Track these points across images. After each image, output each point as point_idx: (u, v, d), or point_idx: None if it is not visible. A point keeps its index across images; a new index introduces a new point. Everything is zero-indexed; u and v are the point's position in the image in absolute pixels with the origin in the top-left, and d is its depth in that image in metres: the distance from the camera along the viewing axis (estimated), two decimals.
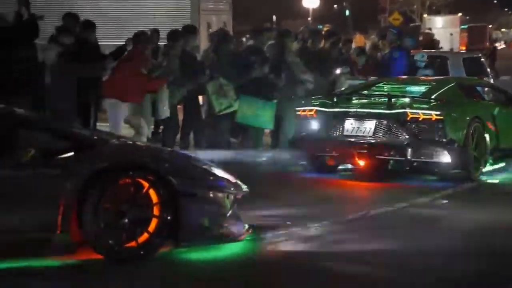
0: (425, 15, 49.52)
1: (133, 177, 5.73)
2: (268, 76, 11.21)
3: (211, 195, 6.02)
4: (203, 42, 14.37)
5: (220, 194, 6.08)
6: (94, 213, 5.57)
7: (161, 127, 11.53)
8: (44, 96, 10.64)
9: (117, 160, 5.81)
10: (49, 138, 5.79)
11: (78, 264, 5.60)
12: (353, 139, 9.59)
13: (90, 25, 10.62)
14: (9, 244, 5.45)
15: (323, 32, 14.23)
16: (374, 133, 9.54)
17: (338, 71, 12.38)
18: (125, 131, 10.27)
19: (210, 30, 15.25)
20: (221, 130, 11.25)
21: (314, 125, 9.93)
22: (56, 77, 9.93)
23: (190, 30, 11.44)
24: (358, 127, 9.63)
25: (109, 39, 13.52)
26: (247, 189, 6.38)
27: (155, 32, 11.97)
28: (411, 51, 14.23)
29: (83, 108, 10.23)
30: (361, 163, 9.66)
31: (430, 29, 36.28)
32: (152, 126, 11.53)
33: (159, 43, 11.78)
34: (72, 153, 5.70)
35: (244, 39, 15.83)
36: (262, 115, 11.10)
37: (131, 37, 10.53)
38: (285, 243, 6.45)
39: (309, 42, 12.69)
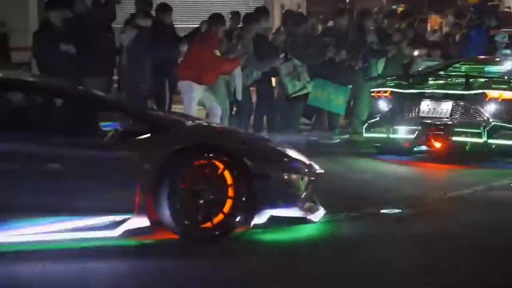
0: None
1: (208, 159, 5.77)
2: (343, 61, 11.12)
3: (286, 176, 6.02)
4: (276, 24, 14.33)
5: (294, 176, 6.08)
6: (170, 194, 5.63)
7: (234, 109, 11.58)
8: (121, 78, 10.83)
9: (192, 141, 5.85)
10: (126, 120, 5.87)
11: (154, 244, 5.68)
12: (429, 121, 9.44)
13: (166, 8, 10.72)
14: (86, 223, 5.56)
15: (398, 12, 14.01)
16: (450, 114, 9.36)
17: (415, 52, 12.17)
18: (199, 113, 10.35)
19: (283, 11, 15.20)
20: (294, 112, 11.22)
21: (389, 106, 9.80)
22: (132, 60, 10.07)
23: (264, 12, 11.42)
24: (435, 109, 9.47)
25: (184, 22, 13.62)
26: (321, 171, 6.35)
27: (236, 14, 11.97)
28: (491, 30, 13.87)
29: (158, 90, 10.35)
30: (437, 145, 9.51)
31: (509, 7, 35.20)
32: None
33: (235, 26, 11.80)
34: (149, 135, 5.77)
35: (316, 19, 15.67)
36: (335, 99, 11.04)
37: (206, 19, 10.57)
38: (359, 225, 6.40)
39: (384, 23, 12.52)
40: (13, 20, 12.04)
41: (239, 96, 10.65)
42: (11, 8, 14.57)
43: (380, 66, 11.64)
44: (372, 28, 11.77)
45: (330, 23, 12.74)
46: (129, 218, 5.59)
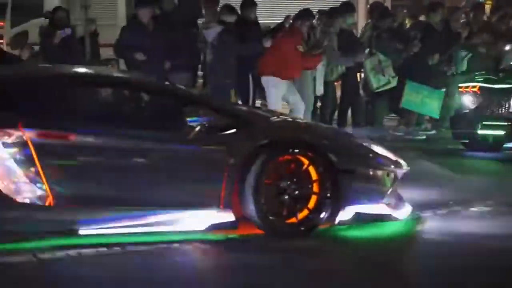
0: None
1: (293, 154, 5.77)
2: (437, 65, 10.91)
3: (371, 172, 5.96)
4: (361, 19, 14.20)
5: (380, 172, 6.01)
6: (255, 189, 5.65)
7: (319, 104, 11.54)
8: (206, 74, 10.94)
9: (277, 137, 5.86)
10: (212, 115, 5.92)
11: (239, 239, 5.71)
12: None
13: (251, 4, 10.77)
14: (172, 217, 5.63)
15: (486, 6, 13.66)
16: None
17: (507, 47, 11.84)
18: (283, 108, 10.35)
19: (368, 6, 15.03)
20: (379, 107, 11.11)
21: (477, 102, 9.58)
22: (217, 55, 10.16)
23: (348, 7, 11.34)
24: None
25: (268, 18, 13.64)
26: (407, 167, 6.26)
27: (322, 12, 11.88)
28: None
29: (242, 85, 10.41)
30: None
31: None
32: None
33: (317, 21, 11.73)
34: (234, 130, 5.80)
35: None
36: (429, 103, 10.85)
37: (289, 15, 10.57)
38: (446, 222, 6.28)
39: (471, 16, 12.23)
40: (102, 17, 12.32)
41: (320, 92, 10.61)
42: (101, 6, 14.90)
43: (465, 61, 11.37)
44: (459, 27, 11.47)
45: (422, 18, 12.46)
46: (214, 213, 5.64)
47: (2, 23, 19.96)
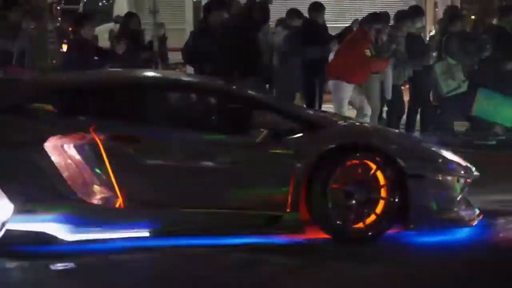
0: None
1: (360, 158, 5.73)
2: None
3: (440, 178, 5.88)
4: (429, 23, 14.04)
5: (449, 178, 5.92)
6: (322, 193, 5.63)
7: (385, 108, 11.43)
8: (272, 78, 10.96)
9: (344, 141, 5.83)
10: (279, 119, 5.93)
11: (306, 243, 5.69)
12: None
13: (319, 7, 10.75)
14: (240, 220, 5.65)
15: None
16: None
17: None
18: (349, 112, 10.29)
19: (436, 9, 14.86)
20: (449, 111, 10.93)
21: None
22: (283, 59, 10.16)
23: (417, 11, 11.21)
24: None
25: (336, 21, 13.60)
26: (478, 173, 6.15)
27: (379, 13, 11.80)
28: None
29: (308, 89, 10.39)
30: None
31: None
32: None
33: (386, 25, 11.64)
34: (301, 134, 5.80)
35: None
36: (502, 111, 10.61)
37: (358, 18, 10.51)
38: None
39: None
40: (171, 22, 12.49)
41: (388, 96, 10.50)
42: (169, 10, 15.11)
43: None
44: None
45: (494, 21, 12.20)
46: (281, 216, 5.64)
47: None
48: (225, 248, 5.54)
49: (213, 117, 6.24)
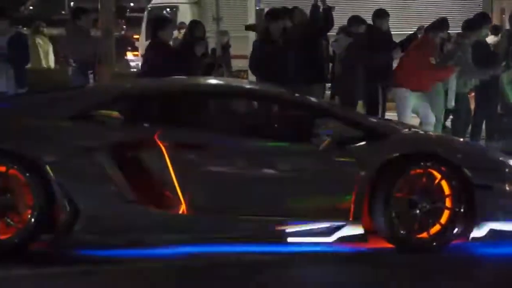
0: None
1: (425, 168, 5.66)
2: None
3: (508, 188, 5.75)
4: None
5: None
6: (386, 202, 5.57)
7: (450, 117, 11.26)
8: (334, 85, 10.92)
9: (408, 149, 5.76)
10: (342, 127, 5.89)
11: (369, 253, 5.64)
12: None
13: (383, 14, 10.66)
14: (304, 228, 5.63)
15: None
16: None
17: None
18: (413, 120, 10.17)
19: (503, 16, 14.59)
20: None
21: None
22: (345, 67, 10.10)
23: (485, 19, 11.02)
24: None
25: (400, 28, 13.48)
26: None
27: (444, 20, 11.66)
28: None
29: (371, 97, 10.30)
30: None
31: None
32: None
33: (449, 32, 11.50)
34: (364, 142, 5.75)
35: None
36: None
37: (423, 25, 10.38)
38: None
39: None
40: (234, 30, 12.58)
41: (450, 104, 10.34)
42: (232, 18, 15.21)
43: None
44: None
45: None
46: (343, 225, 5.61)
47: (137, 36, 20.73)
48: (288, 256, 5.52)
49: (276, 125, 6.24)
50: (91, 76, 9.20)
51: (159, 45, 8.71)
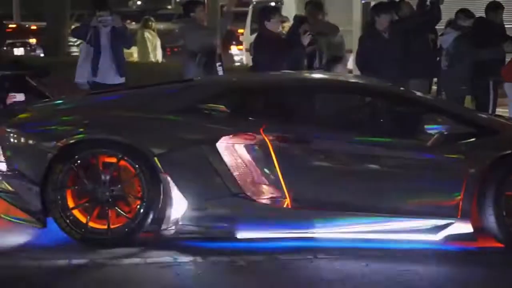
0: None
1: None
2: None
3: None
4: None
5: None
6: (496, 200, 5.43)
7: None
8: (440, 80, 10.69)
9: None
10: (452, 123, 5.77)
11: (477, 252, 5.51)
12: None
13: (497, 7, 10.36)
14: (406, 225, 5.54)
15: None
16: None
17: None
18: None
19: None
20: None
21: None
22: (452, 62, 9.88)
23: None
24: None
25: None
26: None
27: None
28: None
29: (481, 92, 10.03)
30: None
31: None
32: None
33: None
34: (474, 139, 5.62)
35: None
36: None
37: None
38: None
39: None
40: (339, 23, 12.43)
41: None
42: (337, 12, 15.10)
43: None
44: None
45: None
46: (451, 223, 5.49)
47: (242, 30, 20.91)
48: (393, 253, 5.45)
49: (381, 120, 6.17)
50: (219, 68, 9.16)
51: (266, 34, 8.72)
